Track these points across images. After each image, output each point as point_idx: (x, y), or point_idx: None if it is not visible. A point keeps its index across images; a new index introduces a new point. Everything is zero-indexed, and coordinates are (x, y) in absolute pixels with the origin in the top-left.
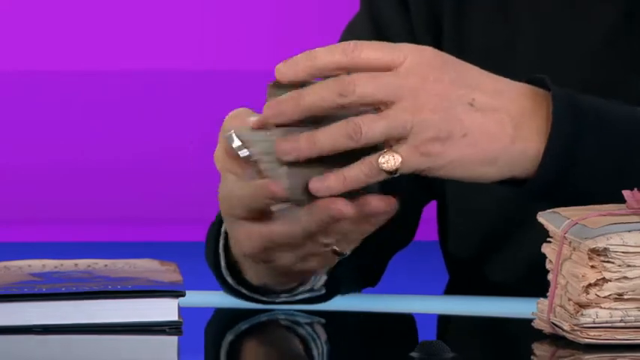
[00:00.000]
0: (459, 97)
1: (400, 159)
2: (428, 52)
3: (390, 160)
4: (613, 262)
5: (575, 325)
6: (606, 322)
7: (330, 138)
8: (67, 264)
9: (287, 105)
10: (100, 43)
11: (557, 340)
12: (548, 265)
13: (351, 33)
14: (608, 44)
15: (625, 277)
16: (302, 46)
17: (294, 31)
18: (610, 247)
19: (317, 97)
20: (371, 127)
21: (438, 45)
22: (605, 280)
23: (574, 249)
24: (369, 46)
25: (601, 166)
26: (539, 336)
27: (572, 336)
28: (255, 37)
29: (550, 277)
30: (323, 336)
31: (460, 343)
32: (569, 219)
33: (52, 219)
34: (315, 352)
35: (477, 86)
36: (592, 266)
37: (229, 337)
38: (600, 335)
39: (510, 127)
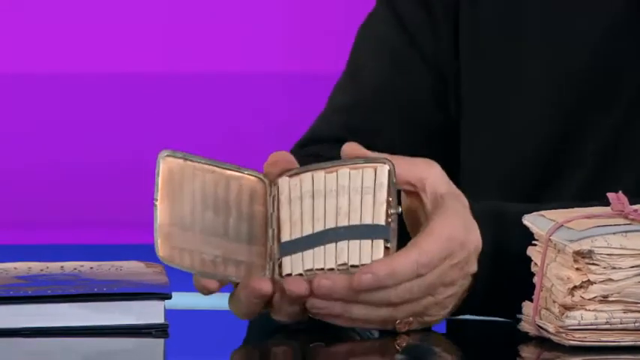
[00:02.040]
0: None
1: (411, 325)
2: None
3: (404, 326)
4: (598, 265)
5: (560, 327)
6: (591, 324)
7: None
8: (53, 267)
9: (335, 310)
10: (94, 44)
11: (543, 342)
12: (533, 268)
13: (371, 28)
14: (613, 32)
15: (610, 279)
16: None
17: (274, 32)
18: (595, 249)
19: (363, 319)
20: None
21: (455, 34)
22: (590, 282)
23: (559, 251)
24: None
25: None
26: (525, 338)
27: (558, 338)
28: (244, 39)
29: (535, 279)
30: (311, 336)
31: (445, 345)
32: (554, 221)
33: (38, 222)
34: (302, 353)
35: (468, 268)
36: (577, 268)
37: (216, 340)
38: (585, 337)
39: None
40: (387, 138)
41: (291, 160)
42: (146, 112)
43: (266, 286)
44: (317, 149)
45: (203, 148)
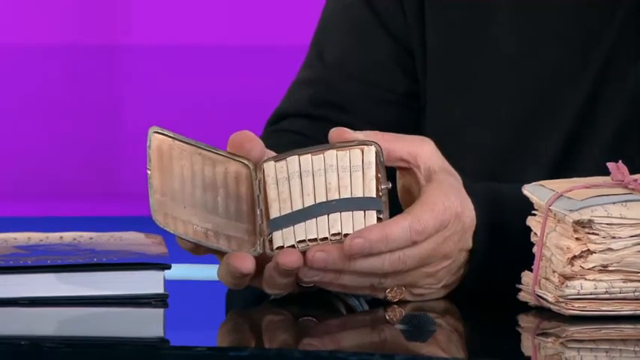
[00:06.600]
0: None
1: (402, 294)
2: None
3: (396, 295)
4: (597, 234)
5: (559, 296)
6: (591, 294)
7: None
8: (53, 237)
9: (327, 278)
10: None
11: (542, 311)
12: (532, 238)
13: (337, 1)
14: (582, 5)
15: (609, 249)
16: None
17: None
18: (594, 219)
19: (353, 285)
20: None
21: (421, 13)
22: (589, 251)
23: (559, 221)
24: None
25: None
26: (525, 308)
27: (557, 307)
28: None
29: (535, 249)
30: (308, 308)
31: (445, 315)
32: (554, 191)
33: (37, 193)
34: (299, 325)
35: (463, 243)
36: (577, 238)
37: (214, 310)
38: (585, 306)
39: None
40: (354, 110)
41: (253, 137)
42: (143, 86)
43: (246, 266)
44: (287, 124)
45: (188, 120)
